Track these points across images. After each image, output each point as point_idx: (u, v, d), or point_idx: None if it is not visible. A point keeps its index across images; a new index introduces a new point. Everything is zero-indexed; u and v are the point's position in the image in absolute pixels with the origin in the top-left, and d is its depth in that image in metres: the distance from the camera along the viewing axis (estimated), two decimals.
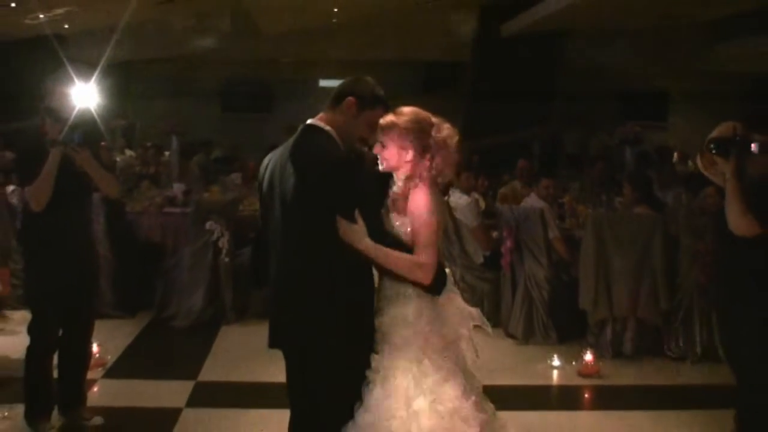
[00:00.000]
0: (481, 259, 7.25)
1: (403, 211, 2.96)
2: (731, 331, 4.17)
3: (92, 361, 5.01)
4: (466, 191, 7.49)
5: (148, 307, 7.38)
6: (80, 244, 4.57)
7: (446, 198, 6.98)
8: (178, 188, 8.56)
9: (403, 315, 2.94)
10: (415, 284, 2.93)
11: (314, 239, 2.91)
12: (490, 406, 3.03)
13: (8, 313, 6.94)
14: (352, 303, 2.92)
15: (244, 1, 12.10)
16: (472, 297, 6.86)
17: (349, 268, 2.91)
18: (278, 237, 3.01)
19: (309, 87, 15.89)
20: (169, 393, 5.32)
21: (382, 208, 3.03)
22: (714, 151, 3.84)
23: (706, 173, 4.14)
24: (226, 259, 7.15)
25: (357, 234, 2.84)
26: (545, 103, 13.20)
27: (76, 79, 4.52)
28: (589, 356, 5.86)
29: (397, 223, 2.97)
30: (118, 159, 9.65)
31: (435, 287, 2.94)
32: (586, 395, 5.66)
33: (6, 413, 4.71)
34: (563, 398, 5.70)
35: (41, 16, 11.08)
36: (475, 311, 3.10)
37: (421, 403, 2.82)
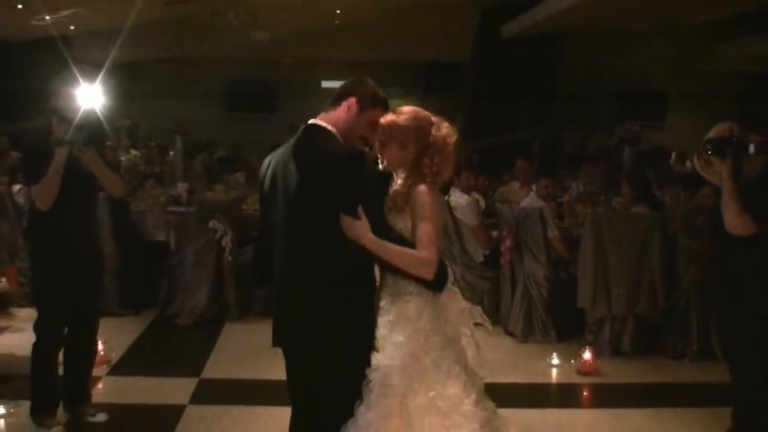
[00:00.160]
0: (481, 258, 7.26)
1: (403, 209, 2.96)
2: (728, 329, 4.18)
3: (97, 358, 5.01)
4: (467, 191, 7.50)
5: (152, 304, 7.39)
6: (86, 243, 4.58)
7: (447, 197, 6.99)
8: (182, 187, 8.57)
9: (405, 313, 2.93)
10: (417, 282, 2.93)
11: (317, 238, 2.92)
12: (491, 404, 3.02)
13: (14, 310, 6.95)
14: (354, 301, 2.92)
15: (247, 2, 12.09)
16: (473, 295, 6.87)
17: (351, 266, 2.92)
18: (281, 236, 3.01)
19: (311, 87, 15.89)
20: (173, 390, 5.33)
21: (383, 207, 3.02)
22: (710, 152, 3.84)
23: (703, 173, 4.14)
24: (230, 258, 7.17)
25: (361, 230, 2.83)
26: (545, 103, 13.19)
27: (81, 80, 4.52)
28: (587, 354, 5.86)
29: (398, 221, 2.96)
30: (122, 158, 9.65)
31: (437, 284, 2.94)
32: (585, 393, 5.66)
33: (12, 409, 4.72)
34: (562, 396, 5.70)
35: (47, 17, 11.08)
36: (476, 309, 3.11)
37: (420, 401, 2.82)
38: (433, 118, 3.04)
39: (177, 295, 7.31)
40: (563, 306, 6.64)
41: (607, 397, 5.51)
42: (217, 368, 5.89)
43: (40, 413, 4.49)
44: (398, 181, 3.03)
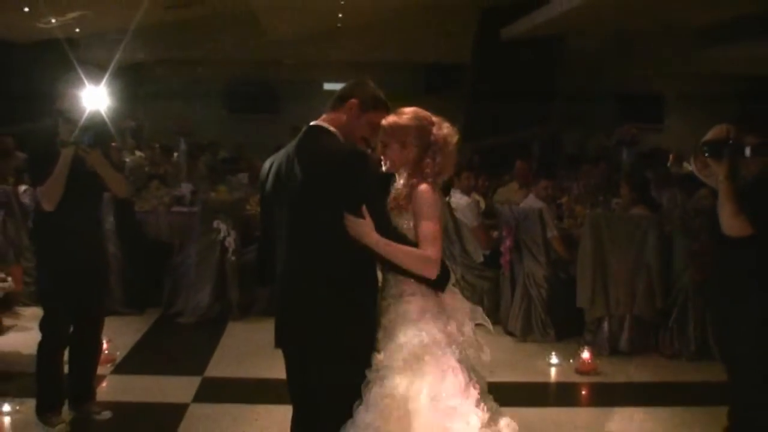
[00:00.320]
0: (481, 258, 7.26)
1: (405, 209, 2.95)
2: (725, 329, 4.18)
3: (101, 357, 5.02)
4: (467, 191, 7.51)
5: (156, 304, 7.40)
6: (90, 243, 4.59)
7: (447, 198, 6.99)
8: (185, 188, 8.59)
9: (407, 313, 2.93)
10: (420, 281, 2.92)
11: (320, 238, 2.91)
12: (494, 404, 3.00)
13: (20, 309, 6.96)
14: (356, 302, 2.92)
15: (250, 4, 12.09)
16: (473, 295, 6.88)
17: (353, 266, 2.91)
18: (283, 237, 3.01)
19: (313, 88, 15.89)
20: (177, 388, 5.33)
21: (385, 207, 3.02)
22: (707, 154, 3.84)
23: (699, 175, 4.15)
24: (233, 258, 7.18)
25: (365, 228, 2.82)
26: (544, 104, 13.19)
27: (86, 82, 4.53)
28: (586, 353, 5.86)
29: (401, 220, 2.96)
30: (127, 159, 9.65)
31: (440, 283, 2.94)
32: (584, 392, 5.66)
33: (18, 407, 4.72)
34: (561, 395, 5.70)
35: (53, 20, 11.10)
36: (477, 309, 3.10)
37: (420, 402, 2.81)
38: (434, 118, 3.04)
39: (180, 295, 7.32)
40: (562, 306, 6.65)
41: (606, 395, 5.51)
42: (219, 367, 5.89)
43: (46, 411, 4.50)
44: (400, 182, 3.03)
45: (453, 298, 3.05)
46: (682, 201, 6.53)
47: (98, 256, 4.72)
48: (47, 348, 4.49)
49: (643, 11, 10.88)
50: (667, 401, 5.30)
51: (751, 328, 3.91)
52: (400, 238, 2.90)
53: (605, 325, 6.31)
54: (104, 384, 5.36)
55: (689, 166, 4.91)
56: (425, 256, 2.86)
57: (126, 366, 5.83)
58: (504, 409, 3.04)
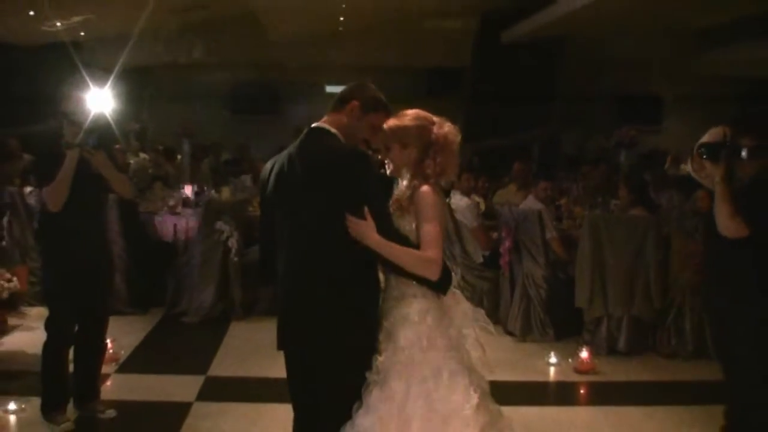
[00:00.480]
0: (480, 259, 7.27)
1: (407, 211, 2.94)
2: (721, 329, 4.18)
3: (106, 356, 5.03)
4: (466, 193, 7.51)
5: (159, 303, 7.41)
6: (95, 243, 4.60)
7: (447, 200, 6.99)
8: (189, 189, 8.59)
9: (408, 315, 2.91)
10: (421, 283, 2.90)
11: (322, 239, 2.91)
12: (496, 406, 2.99)
13: (25, 309, 6.96)
14: (357, 303, 2.91)
15: (254, 8, 12.10)
16: (473, 295, 6.88)
17: (355, 268, 2.91)
18: (284, 238, 3.00)
19: (315, 91, 15.89)
20: (180, 387, 5.34)
21: (388, 207, 3.00)
22: (705, 156, 3.85)
23: (696, 176, 4.15)
24: (235, 258, 7.18)
25: (366, 230, 2.81)
26: (544, 105, 13.19)
27: (91, 84, 4.54)
28: (584, 353, 5.87)
29: (403, 222, 2.95)
30: (131, 161, 9.67)
31: (442, 285, 2.92)
32: (582, 391, 5.66)
33: (23, 406, 4.73)
34: (560, 394, 5.71)
35: (58, 23, 11.10)
36: (479, 311, 3.08)
37: (419, 406, 2.79)
38: (435, 118, 3.03)
39: (184, 295, 7.33)
40: (561, 306, 6.65)
41: (604, 394, 5.51)
42: (222, 366, 5.90)
43: (51, 410, 4.51)
44: (403, 183, 3.01)
45: (455, 300, 3.03)
46: (680, 202, 6.54)
47: (103, 257, 4.72)
48: (52, 347, 4.50)
49: (643, 14, 10.89)
50: (664, 400, 5.30)
51: (747, 327, 3.92)
52: (402, 239, 2.89)
53: (604, 325, 6.31)
54: (108, 383, 5.36)
55: (687, 168, 4.91)
56: (426, 258, 2.84)
57: (130, 365, 5.84)
58: (503, 408, 3.04)
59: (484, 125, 12.02)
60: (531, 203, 7.04)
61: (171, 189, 8.81)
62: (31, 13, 10.70)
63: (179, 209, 8.00)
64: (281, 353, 3.09)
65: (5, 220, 7.47)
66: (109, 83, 4.87)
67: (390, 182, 3.07)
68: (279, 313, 3.11)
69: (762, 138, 3.88)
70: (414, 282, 2.92)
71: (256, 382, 5.46)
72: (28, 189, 7.49)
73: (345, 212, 2.82)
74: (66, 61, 9.01)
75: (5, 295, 5.80)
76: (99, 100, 4.54)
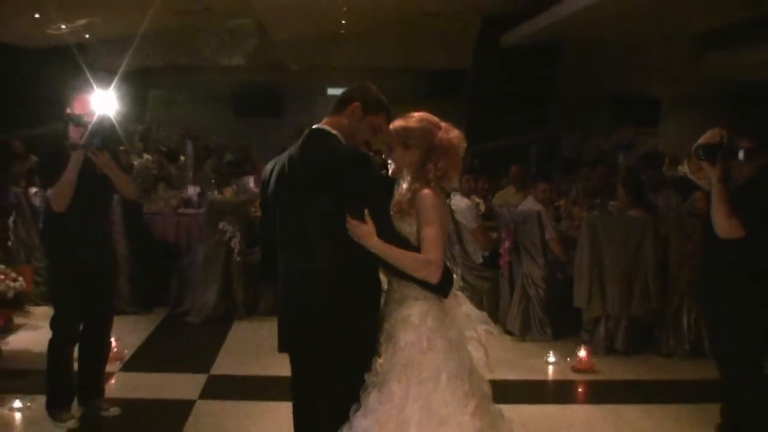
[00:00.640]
0: (480, 259, 7.27)
1: (408, 213, 2.90)
2: (718, 328, 4.19)
3: (110, 355, 5.03)
4: (467, 194, 7.51)
5: (163, 303, 7.41)
6: (100, 244, 4.60)
7: (447, 200, 6.99)
8: (192, 190, 8.60)
9: (408, 318, 2.88)
10: (422, 286, 2.87)
11: (322, 241, 2.89)
12: (497, 408, 2.96)
13: (31, 308, 6.97)
14: (358, 305, 2.90)
15: (256, 10, 12.12)
16: (472, 295, 6.87)
17: (355, 270, 2.89)
18: (286, 239, 2.99)
19: (316, 92, 15.92)
20: (183, 385, 5.34)
21: (388, 210, 2.97)
22: (702, 157, 3.85)
23: (692, 177, 4.16)
24: (238, 258, 7.19)
25: (365, 232, 2.79)
26: (543, 108, 13.20)
27: (96, 86, 4.55)
28: (583, 352, 5.86)
29: (403, 225, 2.92)
30: (135, 162, 9.67)
31: (442, 287, 2.89)
32: (580, 389, 5.66)
33: (29, 404, 4.74)
34: (558, 392, 5.70)
35: (63, 26, 11.12)
36: (482, 314, 3.04)
37: (416, 409, 2.76)
38: (442, 123, 2.99)
39: (187, 294, 7.33)
40: (560, 305, 6.65)
41: (602, 393, 5.51)
42: (225, 364, 5.90)
43: (56, 407, 4.52)
44: (404, 185, 2.98)
45: (456, 302, 3.00)
46: (677, 203, 6.54)
47: (107, 257, 4.73)
48: (57, 346, 4.51)
49: (642, 18, 10.90)
50: (661, 399, 5.29)
51: (743, 327, 3.92)
52: (402, 242, 2.87)
53: (602, 324, 6.31)
54: (113, 381, 5.37)
55: (684, 169, 4.92)
56: (426, 261, 2.82)
57: (134, 363, 5.84)
58: (502, 406, 3.04)
59: (484, 127, 12.02)
60: (530, 204, 7.04)
61: (174, 190, 8.81)
62: (37, 16, 10.71)
63: (182, 210, 8.01)
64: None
65: (11, 220, 7.48)
66: (113, 85, 4.88)
67: (391, 183, 3.05)
68: (279, 314, 3.09)
69: (759, 140, 3.89)
70: (415, 284, 2.89)
71: (258, 381, 5.46)
72: (33, 190, 7.50)
73: (345, 214, 2.80)
74: (71, 64, 9.04)
75: (11, 294, 5.80)
76: (103, 101, 4.55)
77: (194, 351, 6.32)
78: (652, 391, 5.52)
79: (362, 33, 13.99)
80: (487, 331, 3.04)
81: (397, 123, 2.99)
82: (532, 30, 11.87)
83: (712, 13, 10.54)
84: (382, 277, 3.01)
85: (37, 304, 7.01)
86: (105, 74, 5.76)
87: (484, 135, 11.69)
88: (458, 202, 7.20)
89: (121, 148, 5.25)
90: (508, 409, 3.08)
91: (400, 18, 13.05)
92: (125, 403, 4.83)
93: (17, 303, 6.31)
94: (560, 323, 6.68)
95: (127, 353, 5.97)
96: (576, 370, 5.82)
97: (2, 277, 5.74)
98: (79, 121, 4.36)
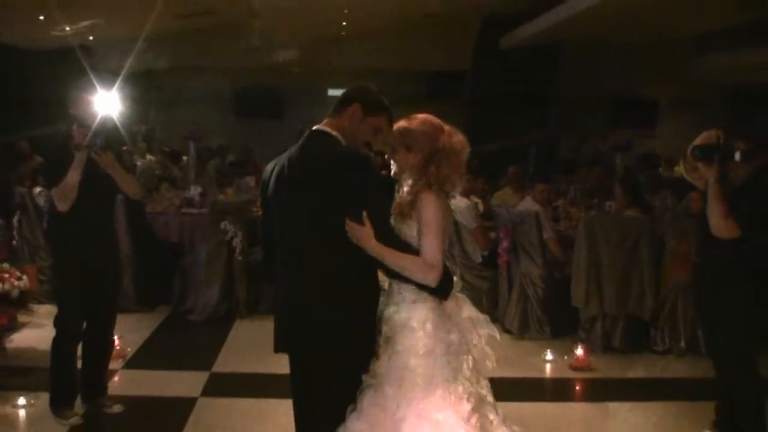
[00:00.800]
0: (479, 259, 7.27)
1: (409, 216, 2.86)
2: (713, 327, 4.19)
3: (113, 353, 5.04)
4: (466, 194, 7.51)
5: (166, 302, 7.42)
6: (104, 243, 4.61)
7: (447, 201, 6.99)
8: (194, 190, 8.60)
9: (407, 321, 2.84)
10: (422, 289, 2.83)
11: (321, 242, 2.86)
12: (496, 415, 2.90)
13: (35, 307, 6.97)
14: (357, 306, 2.87)
15: (257, 13, 12.12)
16: (472, 294, 6.86)
17: (354, 271, 2.85)
18: (284, 240, 2.96)
19: (317, 94, 15.91)
20: (185, 383, 5.35)
21: (389, 212, 2.92)
22: (699, 158, 3.86)
23: (688, 177, 4.17)
24: (240, 258, 7.19)
25: (364, 235, 2.75)
26: (541, 109, 13.21)
27: (99, 87, 4.55)
28: (580, 350, 5.87)
29: (404, 227, 2.88)
30: (138, 163, 9.68)
31: (442, 290, 2.84)
32: (578, 387, 5.66)
33: (32, 401, 4.75)
34: (556, 390, 5.70)
35: (67, 28, 11.12)
36: (485, 317, 2.99)
37: (409, 413, 2.73)
38: (446, 127, 2.94)
39: (190, 293, 7.34)
40: (558, 304, 6.65)
41: (599, 391, 5.52)
42: (227, 362, 5.91)
43: (59, 404, 4.52)
44: (405, 188, 2.94)
45: (458, 305, 2.95)
46: (674, 204, 6.54)
47: (111, 256, 4.73)
48: (61, 344, 4.51)
49: (639, 21, 10.90)
50: (658, 396, 5.29)
51: (738, 326, 3.93)
52: (402, 244, 2.83)
53: (599, 323, 6.31)
54: (116, 378, 5.38)
55: (680, 170, 4.93)
56: (425, 264, 2.77)
57: (137, 361, 5.85)
58: (501, 404, 3.02)
59: (483, 128, 12.01)
60: (528, 204, 7.04)
61: (177, 190, 8.82)
62: (41, 18, 10.71)
63: (185, 210, 8.01)
64: None
65: (15, 219, 7.49)
66: (116, 86, 4.89)
67: (392, 183, 3.01)
68: (277, 314, 3.07)
69: (755, 142, 3.90)
70: (414, 287, 2.85)
71: (259, 378, 5.45)
72: (37, 189, 7.50)
73: (344, 216, 2.76)
74: (74, 65, 9.03)
75: (15, 293, 5.79)
76: (106, 102, 4.56)
77: (196, 349, 6.32)
78: (648, 389, 5.53)
79: (363, 35, 13.99)
80: (490, 335, 2.98)
81: (400, 124, 2.94)
82: (531, 32, 11.88)
83: (710, 16, 10.54)
84: (383, 278, 2.97)
85: (41, 303, 7.01)
86: (108, 76, 5.74)
87: (483, 136, 11.68)
88: (458, 202, 7.19)
89: (125, 148, 5.25)
90: (506, 407, 3.07)
91: (400, 20, 13.04)
92: (128, 401, 4.83)
93: (21, 301, 6.31)
94: (558, 322, 6.69)
95: (130, 351, 5.97)
96: (573, 368, 5.83)
97: (7, 276, 5.73)
98: (82, 122, 4.37)
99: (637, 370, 5.96)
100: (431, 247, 2.78)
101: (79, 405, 4.62)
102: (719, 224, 3.79)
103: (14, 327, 6.40)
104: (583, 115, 15.15)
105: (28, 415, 4.67)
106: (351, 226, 2.76)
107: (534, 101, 12.71)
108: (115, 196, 4.88)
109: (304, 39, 13.88)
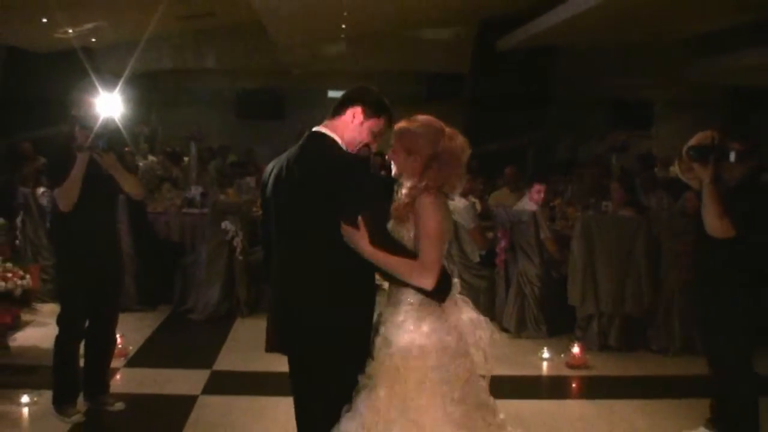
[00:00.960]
0: (477, 258, 7.27)
1: (407, 219, 2.82)
2: (708, 325, 4.20)
3: (115, 351, 5.04)
4: (464, 194, 7.51)
5: (167, 301, 7.44)
6: (106, 243, 4.61)
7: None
8: (196, 190, 8.61)
9: (403, 324, 2.81)
10: (419, 291, 2.79)
11: (317, 244, 2.84)
12: (496, 418, 2.87)
13: (38, 305, 6.97)
14: (353, 307, 2.84)
15: (258, 15, 12.11)
16: (470, 293, 6.86)
17: (350, 273, 2.82)
18: (282, 241, 2.94)
19: (318, 95, 15.90)
20: (187, 381, 5.35)
21: (387, 213, 2.89)
22: (694, 158, 3.86)
23: (683, 178, 4.17)
24: (240, 257, 7.19)
25: (359, 239, 2.72)
26: (539, 110, 13.20)
27: (101, 89, 4.55)
28: (576, 349, 5.87)
29: (402, 230, 2.84)
30: (140, 163, 9.68)
31: (438, 293, 2.80)
32: (574, 385, 5.68)
33: (35, 399, 4.75)
34: (552, 388, 5.71)
35: (70, 30, 11.12)
36: (483, 319, 2.94)
37: (395, 415, 2.71)
38: (447, 130, 2.88)
39: (191, 293, 7.34)
40: (554, 303, 6.67)
41: (595, 388, 5.53)
42: (228, 361, 5.92)
43: (62, 402, 4.53)
44: (404, 190, 2.90)
45: (457, 307, 2.91)
46: (669, 204, 6.55)
47: (113, 256, 4.73)
48: (64, 342, 4.52)
49: (636, 22, 10.90)
50: (653, 394, 5.31)
51: (733, 324, 3.93)
52: (398, 247, 2.79)
53: (595, 321, 6.32)
54: (118, 377, 5.38)
55: (675, 170, 4.94)
56: (420, 267, 2.73)
57: (138, 360, 5.85)
58: (498, 401, 2.99)
59: (482, 129, 12.01)
60: (526, 204, 7.05)
61: (178, 190, 8.82)
62: (44, 20, 10.71)
63: (186, 210, 8.01)
64: None
65: (19, 219, 7.49)
66: (118, 88, 4.88)
67: (392, 184, 2.98)
68: (271, 314, 3.05)
69: (750, 143, 3.91)
70: (411, 289, 2.81)
71: (259, 377, 5.46)
72: (40, 190, 7.51)
73: (340, 219, 2.73)
74: (77, 67, 9.03)
75: (18, 292, 5.80)
76: (109, 104, 4.56)
77: (197, 348, 6.33)
78: (644, 387, 5.53)
79: (363, 37, 13.98)
80: (492, 338, 2.93)
81: (401, 125, 2.90)
82: (529, 35, 11.87)
83: (709, 17, 10.53)
84: (382, 278, 2.95)
85: (44, 302, 7.02)
86: (111, 78, 5.74)
87: (482, 136, 11.69)
88: (456, 202, 7.19)
89: (127, 149, 5.25)
90: (503, 404, 3.06)
91: (400, 22, 13.05)
92: (130, 398, 4.84)
93: (25, 300, 6.32)
94: (555, 320, 6.70)
95: (132, 349, 5.98)
96: (570, 366, 5.84)
97: (10, 275, 5.74)
98: (85, 124, 4.37)
99: (633, 368, 5.97)
100: (429, 250, 2.74)
101: (81, 403, 4.63)
102: (714, 224, 3.80)
103: (18, 325, 6.41)
104: (581, 116, 15.14)
105: (31, 412, 4.67)
106: (346, 230, 2.73)
107: (532, 102, 12.70)
108: (117, 197, 4.88)
109: (305, 41, 13.87)
